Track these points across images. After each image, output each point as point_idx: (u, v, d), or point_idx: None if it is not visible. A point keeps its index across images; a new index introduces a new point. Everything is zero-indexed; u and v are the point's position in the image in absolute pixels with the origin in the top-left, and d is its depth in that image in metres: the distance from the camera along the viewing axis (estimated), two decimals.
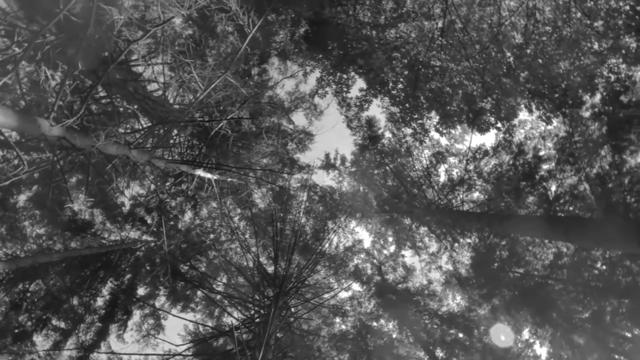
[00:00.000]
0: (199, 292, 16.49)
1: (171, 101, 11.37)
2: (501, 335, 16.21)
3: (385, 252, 21.76)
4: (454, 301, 18.81)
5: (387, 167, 17.20)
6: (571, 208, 12.13)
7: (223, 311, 16.65)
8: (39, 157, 13.20)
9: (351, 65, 14.99)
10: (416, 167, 16.71)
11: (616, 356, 11.45)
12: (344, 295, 21.97)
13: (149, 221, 15.49)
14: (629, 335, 11.54)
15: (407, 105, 15.07)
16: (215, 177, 10.96)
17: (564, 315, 12.37)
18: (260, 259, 16.15)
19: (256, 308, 11.57)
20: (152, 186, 12.73)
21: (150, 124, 7.87)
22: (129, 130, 8.71)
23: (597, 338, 11.54)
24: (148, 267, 15.32)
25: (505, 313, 14.86)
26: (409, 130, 15.87)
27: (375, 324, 20.83)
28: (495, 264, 14.42)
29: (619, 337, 11.54)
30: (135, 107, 10.91)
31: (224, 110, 11.48)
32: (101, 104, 10.56)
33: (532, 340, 15.74)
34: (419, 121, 15.26)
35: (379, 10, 13.69)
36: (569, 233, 9.75)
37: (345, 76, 15.66)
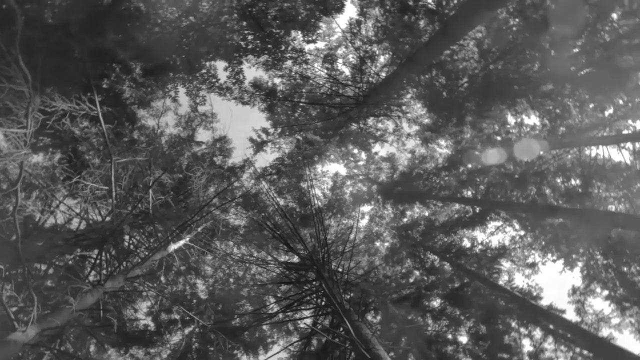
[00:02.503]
0: (264, 326, 16.60)
1: (99, 219, 11.02)
2: (497, 136, 16.74)
3: (360, 163, 22.07)
4: (442, 149, 19.33)
5: (301, 103, 17.15)
6: None
7: (294, 321, 16.80)
8: None
9: (199, 59, 14.63)
10: (321, 82, 16.68)
11: (585, 71, 11.89)
12: (365, 222, 22.46)
13: (176, 317, 15.37)
14: (579, 44, 11.79)
15: (269, 46, 14.86)
16: (187, 239, 10.82)
17: (523, 76, 12.66)
18: (282, 259, 16.23)
19: (313, 296, 11.69)
20: (151, 292, 12.53)
21: (96, 252, 7.67)
22: (88, 272, 8.46)
23: (563, 74, 11.92)
24: (210, 348, 15.29)
25: (483, 119, 15.22)
26: (289, 63, 15.77)
27: (405, 219, 21.39)
28: (443, 92, 14.58)
29: (574, 59, 11.91)
30: (78, 251, 10.56)
31: (143, 187, 11.21)
32: (48, 276, 10.18)
33: (519, 120, 16.27)
34: (289, 48, 15.13)
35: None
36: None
37: (203, 71, 15.31)
